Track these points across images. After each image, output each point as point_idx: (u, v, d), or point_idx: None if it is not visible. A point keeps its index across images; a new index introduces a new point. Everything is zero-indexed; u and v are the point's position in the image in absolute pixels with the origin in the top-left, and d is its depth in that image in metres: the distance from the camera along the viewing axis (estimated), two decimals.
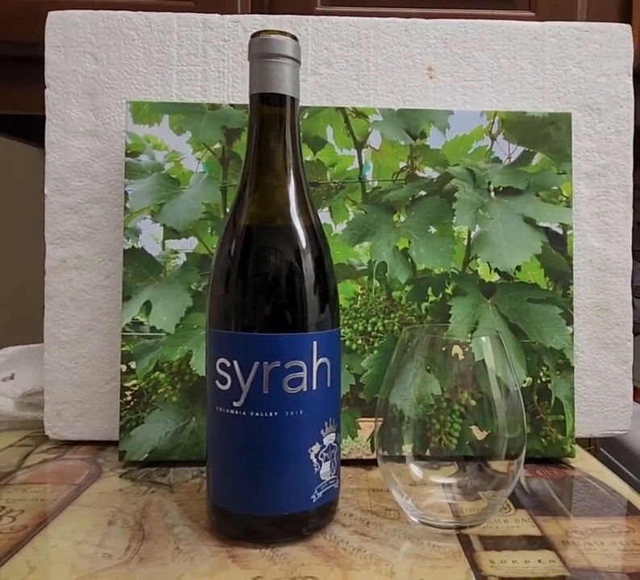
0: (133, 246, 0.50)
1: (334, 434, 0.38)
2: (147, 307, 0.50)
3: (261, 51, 0.36)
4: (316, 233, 0.38)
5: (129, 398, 0.49)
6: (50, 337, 0.54)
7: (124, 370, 0.49)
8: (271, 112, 0.37)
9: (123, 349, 0.50)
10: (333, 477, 0.38)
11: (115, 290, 0.54)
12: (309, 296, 0.36)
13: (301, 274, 0.36)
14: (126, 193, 0.50)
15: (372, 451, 0.50)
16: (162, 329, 0.50)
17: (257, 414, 0.35)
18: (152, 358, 0.50)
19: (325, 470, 0.37)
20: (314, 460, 0.37)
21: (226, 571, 0.33)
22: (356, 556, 0.35)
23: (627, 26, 0.56)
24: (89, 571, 0.33)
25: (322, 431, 0.37)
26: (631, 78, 0.56)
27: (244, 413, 0.35)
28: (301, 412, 0.36)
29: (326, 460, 0.37)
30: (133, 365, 0.49)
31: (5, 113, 0.77)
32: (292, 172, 0.37)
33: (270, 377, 0.35)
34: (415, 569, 0.34)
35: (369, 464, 0.50)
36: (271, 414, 0.35)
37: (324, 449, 0.37)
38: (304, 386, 0.36)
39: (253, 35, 0.36)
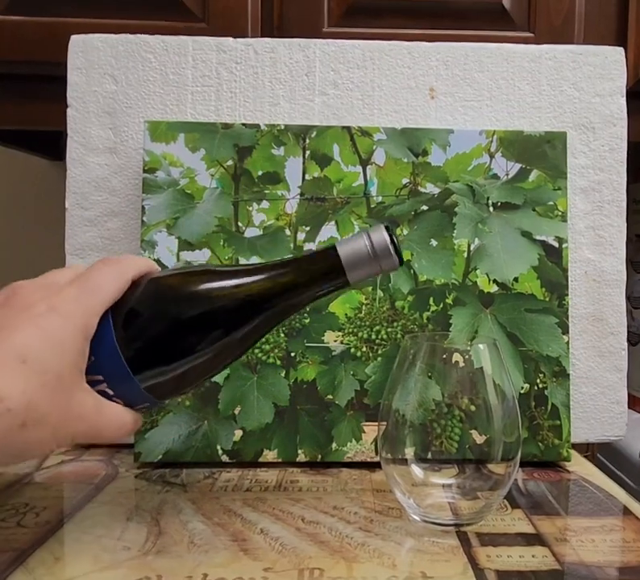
0: (149, 258, 0.53)
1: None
2: None
3: (377, 246, 0.36)
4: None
5: None
6: None
7: None
8: (325, 279, 0.38)
9: None
10: None
11: None
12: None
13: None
14: (143, 207, 0.53)
15: (376, 454, 0.52)
16: None
17: None
18: None
19: None
20: None
21: (238, 562, 0.36)
22: (360, 550, 0.37)
23: (620, 49, 0.58)
24: (110, 562, 0.35)
25: None
26: (624, 98, 0.58)
27: None
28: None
29: None
30: None
31: (21, 129, 0.80)
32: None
33: None
34: (416, 562, 0.36)
35: (373, 466, 0.52)
36: None
37: None
38: None
39: (387, 227, 0.37)
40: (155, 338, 0.36)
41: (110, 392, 0.36)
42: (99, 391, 0.35)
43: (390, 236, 0.37)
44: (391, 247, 0.36)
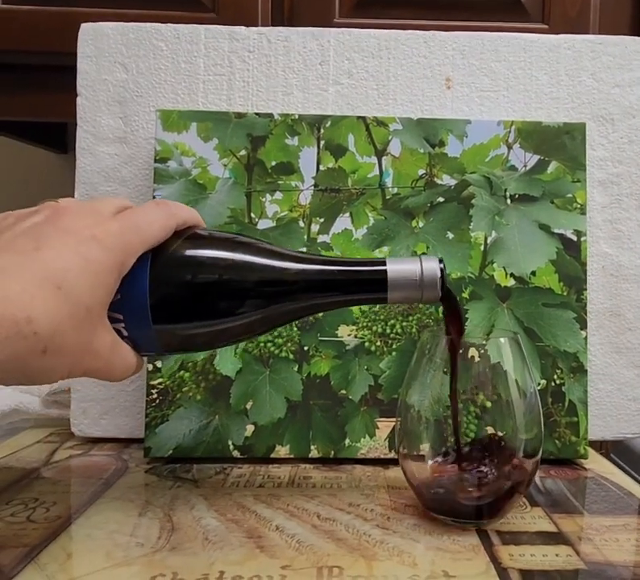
0: None
1: None
2: None
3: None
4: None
5: (154, 396, 0.51)
6: None
7: (150, 368, 0.51)
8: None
9: None
10: None
11: None
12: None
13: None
14: (154, 198, 0.52)
15: (390, 450, 0.51)
16: None
17: None
18: (177, 357, 0.51)
19: None
20: None
21: (255, 560, 0.35)
22: (379, 548, 0.36)
23: None
24: (123, 558, 0.35)
25: None
26: None
27: None
28: None
29: None
30: (159, 364, 0.51)
31: (31, 120, 0.79)
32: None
33: None
34: (437, 560, 0.35)
35: (387, 463, 0.51)
36: None
37: None
38: None
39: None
40: (186, 295, 0.36)
41: (125, 333, 0.35)
42: (114, 329, 0.35)
43: (442, 270, 0.38)
44: (439, 281, 0.37)
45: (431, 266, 0.37)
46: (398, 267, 0.37)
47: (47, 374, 0.31)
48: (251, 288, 0.37)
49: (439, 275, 0.37)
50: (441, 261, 0.38)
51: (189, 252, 0.37)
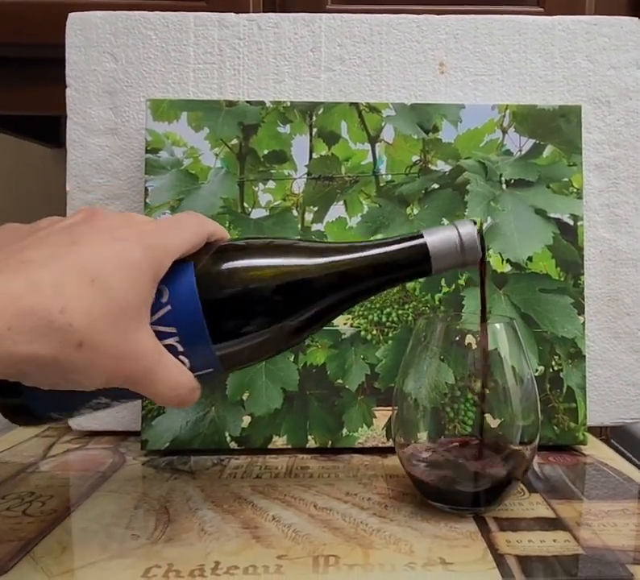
0: None
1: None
2: None
3: (466, 249, 0.37)
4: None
5: None
6: None
7: None
8: (407, 266, 0.38)
9: None
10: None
11: None
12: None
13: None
14: (146, 189, 0.52)
15: (388, 439, 0.51)
16: None
17: None
18: None
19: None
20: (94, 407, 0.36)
21: (251, 550, 0.34)
22: (376, 536, 0.36)
23: (636, 20, 0.56)
24: (119, 550, 0.34)
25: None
26: None
27: None
28: None
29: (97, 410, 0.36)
30: None
31: (20, 114, 0.78)
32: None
33: None
34: (434, 548, 0.35)
35: (385, 452, 0.51)
36: None
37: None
38: None
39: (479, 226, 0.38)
40: (243, 305, 0.35)
41: (179, 348, 0.34)
42: (167, 345, 0.33)
43: (479, 232, 0.38)
44: (479, 241, 0.38)
45: (468, 230, 0.37)
46: (437, 237, 0.37)
47: (85, 372, 0.30)
48: (307, 287, 0.37)
49: (478, 238, 0.37)
50: (475, 223, 0.38)
51: (237, 262, 0.36)
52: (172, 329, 0.33)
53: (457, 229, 0.38)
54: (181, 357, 0.34)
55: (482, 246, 0.38)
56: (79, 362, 0.29)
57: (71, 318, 0.28)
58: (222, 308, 0.35)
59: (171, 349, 0.33)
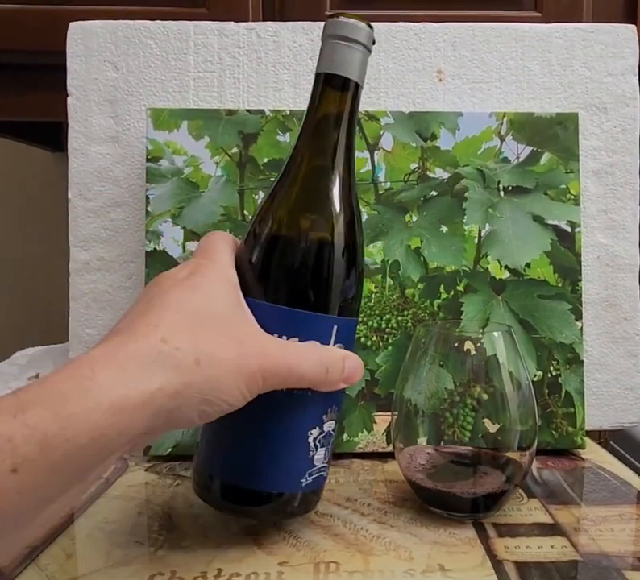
0: (154, 249, 0.52)
1: (333, 422, 0.38)
2: None
3: (335, 32, 0.36)
4: (354, 219, 0.38)
5: None
6: (74, 337, 0.56)
7: None
8: (334, 93, 0.37)
9: None
10: (324, 464, 0.38)
11: (137, 290, 0.55)
12: (336, 279, 0.36)
13: (333, 255, 0.36)
14: (147, 197, 0.52)
15: (388, 444, 0.51)
16: None
17: None
18: None
19: (319, 456, 0.37)
20: (311, 443, 0.36)
21: (253, 557, 0.35)
22: (376, 542, 0.37)
23: (632, 27, 0.57)
24: (123, 557, 0.35)
25: (324, 416, 0.37)
26: (637, 77, 0.57)
27: None
28: (308, 392, 0.35)
29: (323, 446, 0.37)
30: None
31: (22, 120, 0.79)
32: (342, 157, 0.37)
33: None
34: (433, 554, 0.35)
35: (385, 457, 0.51)
36: (279, 390, 0.34)
37: (322, 434, 0.37)
38: None
39: (330, 16, 0.36)
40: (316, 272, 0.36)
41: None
42: None
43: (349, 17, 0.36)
44: (356, 23, 0.36)
45: (339, 25, 0.36)
46: (324, 61, 0.37)
47: (219, 385, 0.30)
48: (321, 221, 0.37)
49: (351, 21, 0.36)
50: (337, 15, 0.37)
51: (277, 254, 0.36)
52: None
53: (330, 37, 0.37)
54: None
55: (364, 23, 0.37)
56: (208, 378, 0.29)
57: (175, 342, 0.29)
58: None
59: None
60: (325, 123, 0.37)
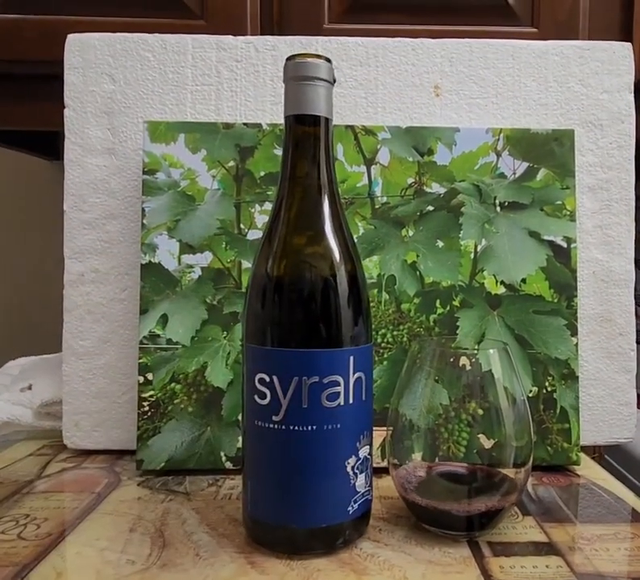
0: (150, 261, 0.52)
1: (368, 446, 0.39)
2: (164, 320, 0.51)
3: (296, 74, 0.37)
4: (349, 249, 0.39)
5: (146, 408, 0.51)
6: (68, 348, 0.55)
7: (141, 381, 0.51)
8: (306, 132, 0.38)
9: (140, 360, 0.51)
10: (367, 488, 0.39)
11: (131, 303, 0.55)
12: (344, 312, 0.37)
13: (337, 290, 0.37)
14: (143, 210, 0.52)
15: (382, 460, 0.51)
16: (178, 342, 0.51)
17: (296, 428, 0.36)
18: (169, 369, 0.51)
19: (360, 482, 0.38)
20: (351, 472, 0.37)
21: (246, 576, 0.35)
22: (370, 561, 0.36)
23: (628, 45, 0.57)
24: (114, 577, 0.35)
25: (357, 443, 0.38)
26: (632, 94, 0.57)
27: (283, 427, 0.36)
28: (338, 425, 0.37)
29: (362, 472, 0.38)
30: (150, 376, 0.51)
31: (19, 129, 0.78)
32: (326, 191, 0.38)
33: (309, 391, 0.36)
34: (427, 574, 0.35)
35: (379, 472, 0.51)
36: (310, 428, 0.36)
37: (359, 461, 0.38)
38: (341, 400, 0.37)
39: (288, 59, 0.37)
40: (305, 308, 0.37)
41: None
42: None
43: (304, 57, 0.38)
44: (313, 61, 0.37)
45: (298, 67, 0.37)
46: (292, 104, 0.38)
47: None
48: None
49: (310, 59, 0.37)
50: (295, 56, 0.38)
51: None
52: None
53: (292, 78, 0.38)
54: None
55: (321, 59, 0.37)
56: None
57: None
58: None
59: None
60: (303, 160, 0.38)
